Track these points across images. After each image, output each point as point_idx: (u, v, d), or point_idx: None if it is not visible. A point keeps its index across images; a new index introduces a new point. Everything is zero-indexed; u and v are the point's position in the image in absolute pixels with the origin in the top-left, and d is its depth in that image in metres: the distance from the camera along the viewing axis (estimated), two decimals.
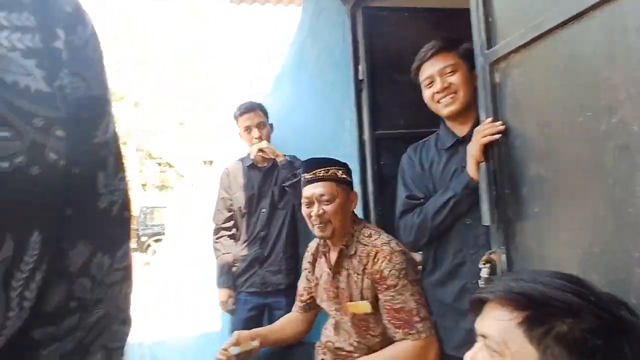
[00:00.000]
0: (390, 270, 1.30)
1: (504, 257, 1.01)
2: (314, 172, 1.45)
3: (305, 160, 1.53)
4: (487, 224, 1.04)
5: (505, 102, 1.02)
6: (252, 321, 2.01)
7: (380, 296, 1.33)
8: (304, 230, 2.18)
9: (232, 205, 2.07)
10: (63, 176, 0.37)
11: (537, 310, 0.62)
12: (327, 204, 1.40)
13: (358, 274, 1.37)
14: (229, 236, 2.08)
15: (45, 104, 0.35)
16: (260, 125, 2.05)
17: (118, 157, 0.43)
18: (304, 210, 1.47)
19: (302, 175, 1.50)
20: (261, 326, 2.06)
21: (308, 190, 1.44)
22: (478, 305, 0.71)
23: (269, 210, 2.04)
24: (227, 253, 2.03)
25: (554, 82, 0.88)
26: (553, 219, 0.90)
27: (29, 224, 0.35)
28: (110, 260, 0.42)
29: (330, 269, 1.45)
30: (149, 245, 11.64)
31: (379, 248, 1.33)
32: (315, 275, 1.55)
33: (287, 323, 1.62)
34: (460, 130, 1.26)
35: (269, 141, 2.08)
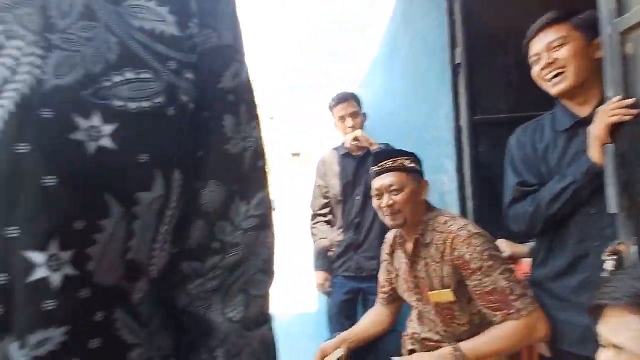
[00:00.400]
0: (471, 255, 1.25)
1: (634, 249, 0.92)
2: (381, 164, 1.45)
3: (373, 154, 1.53)
4: (614, 212, 0.95)
5: (638, 76, 0.91)
6: (347, 304, 2.08)
7: (468, 282, 1.29)
8: None
9: (327, 192, 2.15)
10: (193, 118, 0.39)
11: None
12: (397, 194, 1.40)
13: (437, 262, 1.34)
14: (325, 222, 2.16)
15: (177, 48, 0.38)
16: (354, 115, 2.09)
17: (251, 106, 0.45)
18: (375, 202, 1.47)
19: (371, 169, 1.51)
20: (355, 310, 2.12)
21: (377, 182, 1.45)
22: (597, 308, 0.67)
23: (363, 197, 2.07)
24: (324, 238, 2.12)
25: None
26: None
27: (172, 163, 0.38)
28: (247, 206, 0.44)
29: (407, 260, 1.45)
30: None
31: (455, 234, 1.29)
32: (394, 267, 1.55)
33: (371, 321, 1.62)
34: (581, 110, 1.14)
35: (362, 130, 2.11)
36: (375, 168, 1.47)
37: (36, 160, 0.32)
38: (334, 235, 2.12)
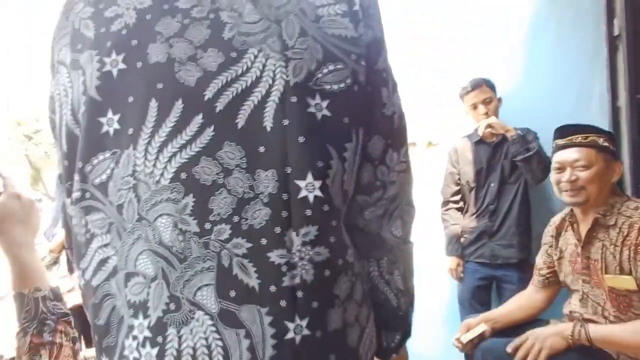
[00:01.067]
0: None
1: None
2: (569, 137, 1.41)
3: (559, 127, 1.48)
4: None
5: None
6: (479, 290, 2.07)
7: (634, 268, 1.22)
8: (538, 206, 2.06)
9: (459, 179, 2.16)
10: (364, 92, 0.56)
11: None
12: (583, 170, 1.35)
13: (616, 246, 1.27)
14: (456, 209, 2.18)
15: (355, 44, 0.55)
16: (486, 101, 2.03)
17: (395, 80, 0.61)
18: (554, 176, 1.43)
19: (555, 141, 1.47)
20: (489, 297, 2.10)
21: (561, 155, 1.41)
22: None
23: (499, 184, 2.03)
24: (455, 224, 2.14)
25: None
26: None
27: (359, 123, 0.56)
28: (397, 154, 0.61)
29: (578, 240, 1.39)
30: None
31: None
32: (559, 249, 1.50)
33: (519, 305, 1.57)
34: None
35: (497, 116, 2.05)
36: (561, 141, 1.44)
37: (292, 128, 0.51)
38: (466, 222, 2.12)
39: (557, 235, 1.52)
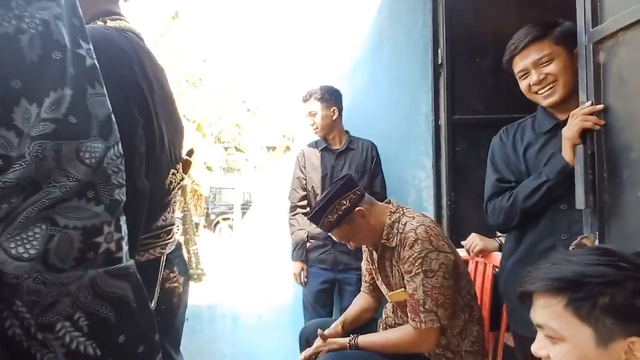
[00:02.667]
0: (409, 257, 1.32)
1: (597, 242, 0.99)
2: (318, 226, 1.47)
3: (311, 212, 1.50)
4: (581, 208, 1.02)
5: (608, 83, 0.98)
6: (323, 293, 2.12)
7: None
8: None
9: (306, 184, 2.17)
10: None
11: (577, 290, 0.65)
12: (348, 242, 1.47)
13: (397, 263, 1.41)
14: (303, 214, 2.18)
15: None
16: (311, 114, 2.14)
17: None
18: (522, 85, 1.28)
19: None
20: (331, 299, 2.16)
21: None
22: (528, 297, 0.73)
23: None
24: (301, 229, 2.14)
25: None
26: None
27: None
28: (38, 108, 0.36)
29: (377, 257, 1.50)
30: (217, 223, 12.39)
31: (406, 235, 1.35)
32: (373, 259, 1.59)
33: (360, 307, 1.67)
34: (562, 114, 1.20)
35: (328, 126, 2.15)
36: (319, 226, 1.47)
37: None
38: (312, 227, 2.14)
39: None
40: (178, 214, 1.00)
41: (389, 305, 1.59)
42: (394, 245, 1.41)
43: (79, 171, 0.36)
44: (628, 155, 0.93)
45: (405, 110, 2.33)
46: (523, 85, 1.25)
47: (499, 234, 1.67)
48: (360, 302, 1.70)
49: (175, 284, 0.90)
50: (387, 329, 1.56)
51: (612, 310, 0.63)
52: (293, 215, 2.19)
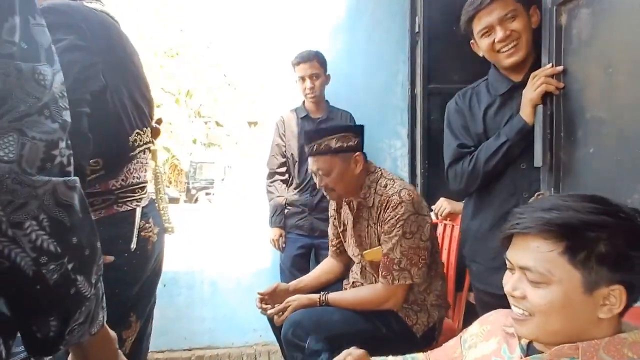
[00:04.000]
0: (390, 219, 1.36)
1: None
2: (310, 145, 1.47)
3: (304, 133, 1.54)
4: (538, 165, 1.07)
5: (569, 44, 1.02)
6: (300, 258, 2.17)
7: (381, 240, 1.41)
8: None
9: (285, 151, 2.18)
10: None
11: (577, 237, 0.65)
12: (327, 176, 1.44)
13: (375, 223, 1.44)
14: (282, 181, 2.20)
15: None
16: (313, 77, 2.09)
17: None
18: (315, 180, 1.52)
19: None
20: (308, 264, 2.22)
21: (309, 163, 1.50)
22: (508, 238, 0.74)
23: None
24: (280, 196, 2.17)
25: (624, 23, 0.87)
26: (608, 160, 0.92)
27: None
28: None
29: (352, 218, 1.52)
30: (197, 198, 12.32)
31: (389, 197, 1.38)
32: (342, 222, 1.63)
33: (322, 271, 1.71)
34: (516, 76, 1.23)
35: (323, 92, 2.14)
36: (307, 148, 1.49)
37: None
38: (290, 194, 2.17)
39: (338, 209, 1.64)
40: (150, 175, 1.09)
41: (355, 268, 1.63)
42: (370, 205, 1.44)
43: (36, 90, 0.41)
44: (583, 116, 0.99)
45: (383, 79, 2.35)
46: (485, 43, 1.24)
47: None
48: (322, 266, 1.74)
49: (150, 233, 1.03)
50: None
51: (606, 258, 0.63)
52: (271, 182, 2.21)
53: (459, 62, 2.21)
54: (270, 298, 1.55)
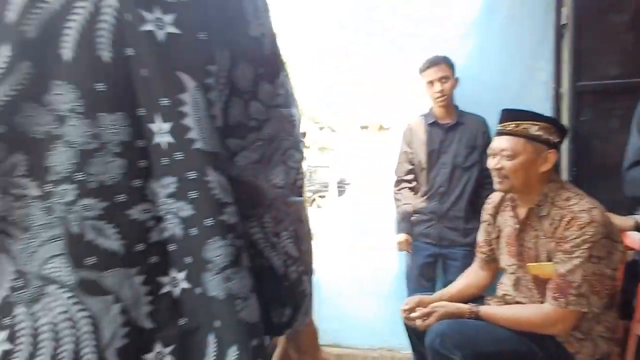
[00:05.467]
0: (575, 237, 1.23)
1: None
2: (503, 124, 1.41)
3: (502, 111, 1.48)
4: None
5: None
6: (426, 267, 2.12)
7: (554, 257, 1.28)
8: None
9: (413, 159, 2.16)
10: (222, 2, 0.47)
11: None
12: (508, 160, 1.35)
13: (547, 237, 1.32)
14: (409, 188, 2.19)
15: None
16: (442, 80, 2.04)
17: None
18: (489, 161, 1.45)
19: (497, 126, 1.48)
20: (435, 273, 2.16)
21: (494, 142, 1.43)
22: None
23: (451, 167, 2.05)
24: (408, 204, 2.16)
25: None
26: None
27: (223, 41, 0.46)
28: (272, 86, 0.51)
29: (517, 225, 1.42)
30: (314, 200, 12.89)
31: (576, 214, 1.25)
32: (497, 227, 1.53)
33: (468, 283, 1.62)
34: None
35: (452, 95, 2.07)
36: (498, 127, 1.43)
37: (136, 56, 0.42)
38: (417, 202, 2.15)
39: (495, 214, 1.55)
40: None
41: (506, 280, 1.52)
42: (543, 214, 1.34)
43: (291, 129, 0.53)
44: None
45: (520, 80, 2.16)
46: None
47: (636, 212, 1.50)
48: (467, 277, 1.65)
49: None
50: (503, 305, 1.50)
51: None
52: (399, 190, 2.21)
53: (617, 54, 1.94)
54: (413, 310, 1.51)
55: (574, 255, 1.23)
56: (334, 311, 2.47)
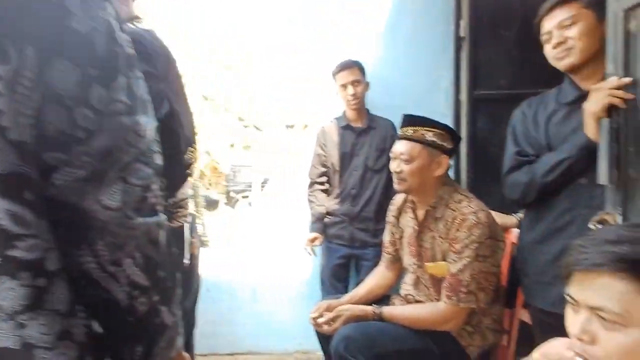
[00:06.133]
0: (464, 238, 1.31)
1: (620, 218, 0.97)
2: (403, 129, 1.47)
3: (403, 116, 1.53)
4: (603, 183, 1.00)
5: (638, 53, 0.94)
6: (339, 268, 2.15)
7: (447, 258, 1.36)
8: None
9: (326, 161, 2.17)
10: None
11: None
12: (406, 164, 1.41)
13: (442, 238, 1.39)
14: (322, 190, 2.19)
15: None
16: (355, 83, 2.08)
17: None
18: (390, 164, 1.51)
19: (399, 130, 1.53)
20: (348, 274, 2.20)
21: (394, 146, 1.48)
22: (569, 273, 0.68)
23: (362, 170, 2.09)
24: (320, 205, 2.16)
25: None
26: None
27: (22, 37, 0.39)
28: (108, 91, 0.44)
29: (416, 226, 1.48)
30: (237, 201, 12.59)
31: (465, 216, 1.33)
32: (400, 228, 1.59)
33: (376, 283, 1.66)
34: (586, 85, 1.16)
35: (363, 98, 2.11)
36: (399, 131, 1.48)
37: None
38: (330, 204, 2.16)
39: (398, 215, 1.61)
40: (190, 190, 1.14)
41: (408, 279, 1.59)
42: (438, 216, 1.40)
43: (136, 141, 0.46)
44: None
45: (424, 86, 2.28)
46: (546, 50, 1.22)
47: (518, 211, 1.65)
48: (374, 277, 1.69)
49: (195, 248, 1.04)
50: (405, 304, 1.56)
51: None
52: (312, 192, 2.21)
53: (508, 67, 2.12)
54: (321, 315, 1.51)
55: (463, 255, 1.31)
56: (248, 317, 2.41)
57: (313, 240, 2.15)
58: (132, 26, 0.96)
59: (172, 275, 0.51)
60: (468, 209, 1.34)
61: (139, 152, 0.46)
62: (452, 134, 1.47)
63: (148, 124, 0.48)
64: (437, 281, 1.42)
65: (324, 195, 2.19)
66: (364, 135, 2.13)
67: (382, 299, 1.60)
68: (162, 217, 0.49)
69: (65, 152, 0.42)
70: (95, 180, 0.43)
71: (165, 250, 0.49)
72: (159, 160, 0.49)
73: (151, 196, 0.47)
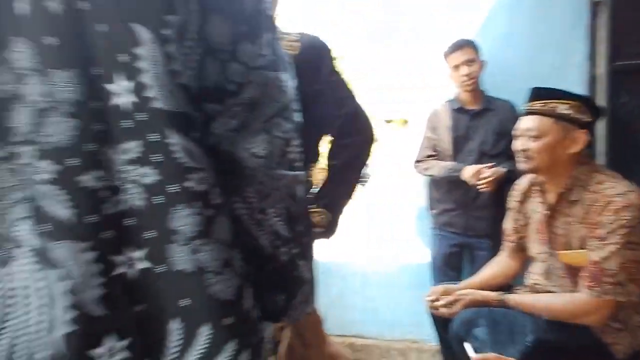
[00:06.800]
0: (610, 223, 1.15)
1: None
2: (530, 103, 1.34)
3: (530, 89, 1.41)
4: None
5: None
6: (452, 257, 2.07)
7: (587, 244, 1.21)
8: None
9: (436, 145, 2.10)
10: None
11: None
12: (533, 140, 1.28)
13: (580, 223, 1.24)
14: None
15: None
16: (468, 63, 1.96)
17: None
18: (513, 143, 1.39)
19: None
20: (460, 263, 2.10)
21: (519, 123, 1.36)
22: None
23: (477, 155, 1.98)
24: (439, 165, 2.03)
25: None
26: None
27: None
28: (254, 46, 0.46)
29: (546, 211, 1.35)
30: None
31: (610, 198, 1.17)
32: (525, 214, 1.46)
33: (495, 273, 1.56)
34: None
35: (478, 79, 1.99)
36: (526, 106, 1.37)
37: (87, 10, 0.40)
38: (442, 190, 2.09)
39: (523, 201, 1.48)
40: None
41: (536, 269, 1.46)
42: (573, 199, 1.27)
43: (279, 95, 0.48)
44: None
45: (551, 62, 2.06)
46: None
47: None
48: (495, 265, 1.59)
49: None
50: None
51: None
52: (422, 163, 2.09)
53: None
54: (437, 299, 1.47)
55: (609, 242, 1.16)
56: (358, 302, 2.46)
57: (478, 171, 1.90)
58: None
59: (309, 231, 0.53)
60: (614, 190, 1.19)
61: (281, 106, 0.48)
62: (590, 105, 1.32)
63: (289, 81, 0.50)
64: (573, 271, 1.28)
65: (435, 160, 2.07)
66: (479, 118, 2.01)
67: (503, 290, 1.49)
68: (303, 174, 0.51)
69: (220, 103, 0.45)
70: (243, 130, 0.46)
71: (303, 206, 0.51)
72: (298, 117, 0.51)
73: (291, 151, 0.49)
